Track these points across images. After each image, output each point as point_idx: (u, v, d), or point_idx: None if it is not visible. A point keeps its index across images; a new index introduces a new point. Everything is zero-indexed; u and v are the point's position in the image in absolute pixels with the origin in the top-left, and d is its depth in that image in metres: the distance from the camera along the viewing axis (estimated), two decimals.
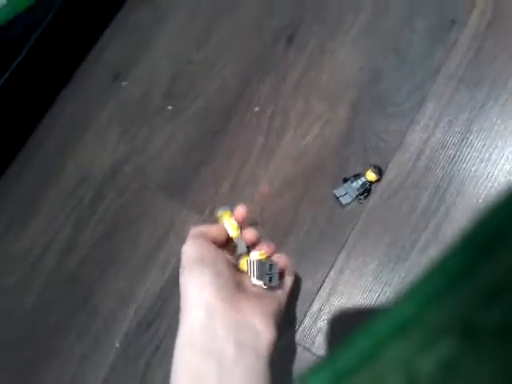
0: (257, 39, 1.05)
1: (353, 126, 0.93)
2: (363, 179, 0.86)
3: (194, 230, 0.69)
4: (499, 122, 0.87)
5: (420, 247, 0.83)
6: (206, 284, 0.59)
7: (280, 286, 0.70)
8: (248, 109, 0.99)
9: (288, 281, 0.72)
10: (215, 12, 1.10)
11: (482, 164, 0.85)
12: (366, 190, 0.86)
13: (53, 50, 1.10)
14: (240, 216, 0.73)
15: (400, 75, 0.94)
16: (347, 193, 0.87)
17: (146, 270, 0.93)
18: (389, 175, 0.87)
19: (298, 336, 0.83)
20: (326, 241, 0.87)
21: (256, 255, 0.70)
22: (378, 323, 0.27)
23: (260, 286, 0.68)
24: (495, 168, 0.84)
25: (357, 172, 0.88)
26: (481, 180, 0.84)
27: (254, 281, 0.68)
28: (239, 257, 0.71)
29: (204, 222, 0.93)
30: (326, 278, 0.84)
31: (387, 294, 0.82)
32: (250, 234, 0.72)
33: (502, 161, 0.84)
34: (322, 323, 0.83)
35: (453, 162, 0.86)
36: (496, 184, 0.83)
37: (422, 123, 0.89)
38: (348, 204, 0.87)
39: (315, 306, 0.84)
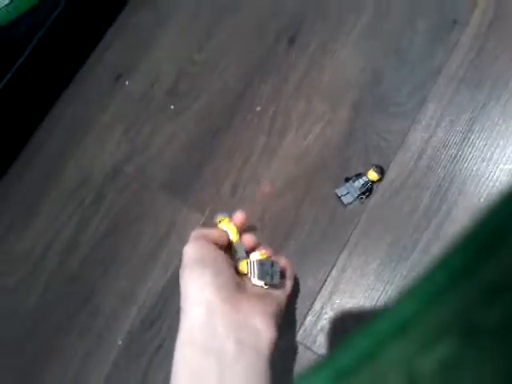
0: (258, 40, 1.05)
1: (354, 126, 0.93)
2: (365, 179, 0.86)
3: (196, 232, 0.69)
4: (501, 121, 0.87)
5: (422, 246, 0.83)
6: (206, 284, 0.60)
7: (281, 284, 0.70)
8: (250, 108, 0.99)
9: (288, 282, 0.73)
10: (216, 13, 1.10)
11: (484, 163, 0.85)
12: (368, 189, 0.86)
13: (55, 50, 1.10)
14: (239, 222, 0.74)
15: (401, 75, 0.94)
16: (349, 192, 0.87)
17: (147, 270, 0.93)
18: (390, 175, 0.87)
19: (300, 335, 0.83)
20: (327, 240, 0.87)
21: (256, 255, 0.70)
22: (377, 323, 0.27)
23: (261, 286, 0.68)
24: (497, 167, 0.84)
25: (358, 172, 0.88)
26: (482, 179, 0.84)
27: (255, 281, 0.68)
28: (238, 260, 0.71)
29: (205, 221, 0.93)
30: (327, 277, 0.85)
31: (389, 292, 0.82)
32: (249, 239, 0.72)
33: (504, 160, 0.84)
34: (324, 322, 0.83)
35: (454, 162, 0.86)
36: (498, 183, 0.83)
37: (423, 123, 0.89)
38: (350, 203, 0.87)
39: (317, 305, 0.84)
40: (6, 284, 0.99)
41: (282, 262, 0.72)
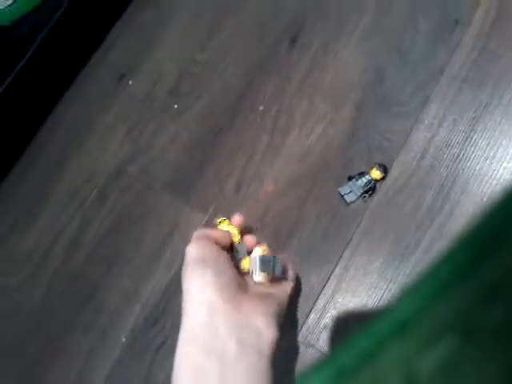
0: (260, 40, 1.05)
1: (357, 125, 0.93)
2: (368, 177, 0.87)
3: (198, 232, 0.69)
4: (503, 121, 0.87)
5: (425, 245, 0.83)
6: (207, 283, 0.59)
7: (283, 278, 0.70)
8: (252, 108, 0.99)
9: (290, 281, 0.72)
10: (218, 13, 1.11)
11: (487, 162, 0.85)
12: (371, 188, 0.86)
13: (58, 50, 1.10)
14: (237, 224, 0.74)
15: (403, 75, 0.94)
16: (352, 191, 0.87)
17: (151, 269, 0.93)
18: (393, 174, 0.87)
19: (303, 333, 0.83)
20: (330, 239, 0.87)
21: (258, 251, 0.70)
22: (377, 323, 0.27)
23: (263, 282, 0.68)
24: (500, 166, 0.84)
25: (361, 170, 0.88)
26: (485, 178, 0.84)
27: (257, 276, 0.68)
28: (240, 260, 0.71)
29: (208, 220, 0.93)
30: (330, 275, 0.85)
31: (392, 291, 0.82)
32: (251, 239, 0.72)
33: (507, 158, 0.85)
34: (327, 320, 0.83)
35: (457, 161, 0.86)
36: (501, 182, 0.83)
37: (426, 122, 0.90)
38: (353, 202, 0.87)
39: (320, 303, 0.84)
40: (8, 284, 0.99)
41: (284, 260, 0.72)
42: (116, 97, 1.09)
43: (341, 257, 0.85)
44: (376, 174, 0.86)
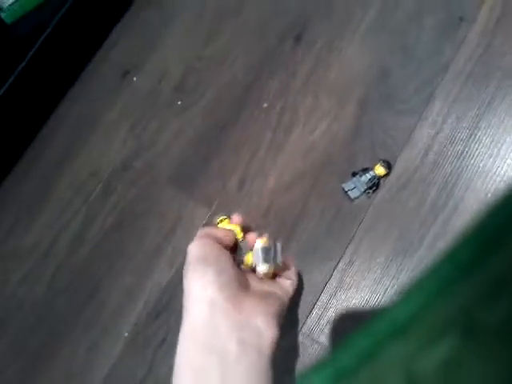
0: (264, 38, 1.06)
1: (361, 122, 0.93)
2: (372, 173, 0.87)
3: (201, 231, 0.69)
4: (507, 118, 0.87)
5: (428, 241, 0.83)
6: (208, 282, 0.60)
7: (286, 267, 0.70)
8: (257, 104, 1.00)
9: (291, 281, 0.73)
10: (222, 11, 1.11)
11: (491, 159, 0.85)
12: (375, 184, 0.86)
13: (62, 48, 1.11)
14: (237, 223, 0.74)
15: (408, 72, 0.94)
16: (356, 187, 0.87)
17: (153, 264, 0.94)
18: (397, 170, 0.87)
19: (306, 328, 0.83)
20: (334, 234, 0.87)
21: (259, 243, 0.70)
22: (377, 323, 0.27)
23: (268, 272, 0.68)
24: (504, 163, 0.84)
25: (365, 166, 0.88)
26: (489, 175, 0.84)
27: (261, 267, 0.68)
28: (243, 257, 0.71)
29: (212, 216, 0.93)
30: (333, 270, 0.85)
31: (395, 287, 0.82)
32: (253, 237, 0.72)
33: (511, 156, 0.85)
34: (330, 315, 0.83)
35: (461, 158, 0.86)
36: (505, 179, 0.83)
37: (430, 119, 0.90)
38: (356, 198, 0.87)
39: (323, 299, 0.84)
40: (11, 279, 1.00)
41: (287, 260, 0.72)
42: (120, 93, 1.10)
43: (344, 252, 0.85)
44: (380, 170, 0.86)
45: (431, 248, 0.83)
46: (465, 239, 0.26)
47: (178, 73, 1.08)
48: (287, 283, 0.71)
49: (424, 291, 0.26)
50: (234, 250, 0.72)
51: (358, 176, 0.87)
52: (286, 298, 0.68)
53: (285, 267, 0.71)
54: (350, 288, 0.84)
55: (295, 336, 0.83)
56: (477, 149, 0.86)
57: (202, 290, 0.59)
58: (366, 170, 0.87)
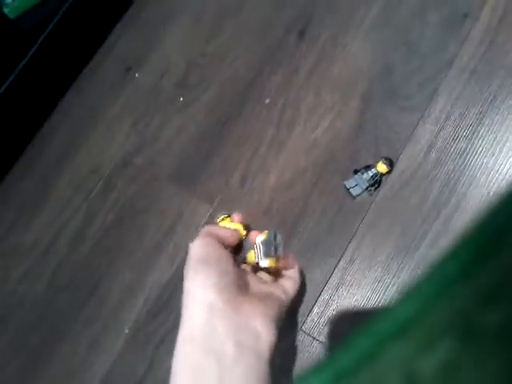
0: (268, 32, 1.05)
1: (364, 118, 0.93)
2: (374, 171, 0.86)
3: (204, 229, 0.69)
4: (510, 116, 0.86)
5: (430, 238, 0.82)
6: (209, 285, 0.59)
7: (287, 261, 0.70)
8: (259, 101, 0.99)
9: (294, 281, 0.72)
10: (226, 5, 1.11)
11: (494, 157, 0.85)
12: (377, 181, 0.86)
13: (64, 43, 1.10)
14: (238, 221, 0.74)
15: (412, 68, 0.94)
16: (357, 184, 0.87)
17: (154, 261, 0.94)
18: (400, 167, 0.87)
19: (307, 325, 0.83)
20: (335, 232, 0.87)
21: (260, 238, 0.70)
22: (378, 323, 0.27)
23: (271, 266, 0.68)
24: (506, 160, 0.84)
25: (368, 164, 0.88)
26: (492, 172, 0.84)
27: (263, 263, 0.68)
28: (246, 254, 0.71)
29: (213, 212, 0.93)
30: (335, 268, 0.84)
31: (396, 285, 0.82)
32: (256, 234, 0.72)
33: None
34: (331, 313, 0.83)
35: (464, 155, 0.86)
36: (507, 176, 0.83)
37: (433, 116, 0.89)
38: (358, 195, 0.87)
39: (324, 296, 0.84)
40: (12, 276, 1.00)
41: (290, 260, 0.72)
42: (122, 89, 1.09)
43: (345, 250, 0.85)
44: (382, 167, 0.86)
45: (433, 246, 0.82)
46: (465, 240, 0.25)
47: (180, 69, 1.07)
48: (289, 283, 0.71)
49: (423, 293, 0.26)
50: (238, 248, 0.72)
51: (359, 173, 0.87)
52: (286, 300, 0.68)
53: (287, 262, 0.71)
54: (351, 286, 0.83)
55: (294, 337, 0.83)
56: (480, 145, 0.86)
57: (202, 291, 0.59)
58: (368, 168, 0.87)
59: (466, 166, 0.85)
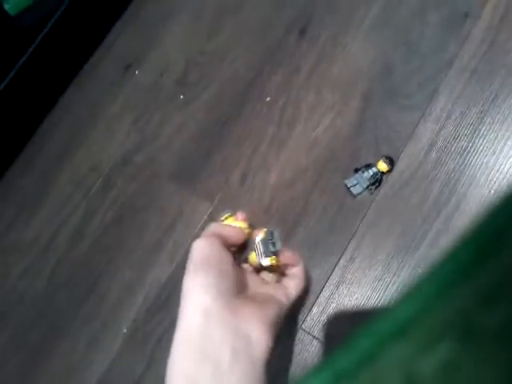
0: (269, 31, 1.05)
1: (364, 117, 0.93)
2: (374, 169, 0.86)
3: (209, 228, 0.69)
4: (511, 115, 0.86)
5: (431, 238, 0.82)
6: (207, 286, 0.59)
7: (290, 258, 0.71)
8: (260, 98, 0.99)
9: (298, 281, 0.72)
10: (226, 4, 1.10)
11: (494, 156, 0.85)
12: (377, 180, 0.86)
13: (64, 40, 1.10)
14: (242, 219, 0.74)
15: (411, 68, 0.94)
16: (358, 183, 0.87)
17: (153, 259, 0.94)
18: (400, 166, 0.87)
19: (307, 324, 0.83)
20: (336, 230, 0.87)
21: (259, 237, 0.70)
22: (378, 323, 0.27)
23: (272, 264, 0.68)
24: (507, 160, 0.84)
25: (368, 162, 0.88)
26: (492, 172, 0.84)
27: (264, 262, 0.68)
28: (249, 254, 0.71)
29: (214, 210, 0.93)
30: (335, 267, 0.84)
31: (397, 283, 0.81)
32: (258, 233, 0.72)
33: None
34: (331, 312, 0.83)
35: (465, 154, 0.86)
36: (508, 176, 0.83)
37: (434, 114, 0.89)
38: (359, 194, 0.87)
39: (324, 295, 0.83)
40: (12, 272, 1.00)
41: (294, 257, 0.72)
42: (122, 86, 1.09)
43: (346, 248, 0.85)
44: (382, 166, 0.86)
45: (433, 245, 0.82)
46: (465, 241, 0.25)
47: (179, 67, 1.07)
48: (292, 283, 0.71)
49: (423, 293, 0.26)
50: (242, 247, 0.72)
51: (360, 172, 0.87)
52: (286, 303, 0.67)
53: (291, 259, 0.70)
54: (352, 284, 0.83)
55: (293, 336, 0.83)
56: (481, 145, 0.86)
57: (200, 293, 0.59)
58: (368, 166, 0.87)
59: (466, 165, 0.85)
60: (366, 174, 0.86)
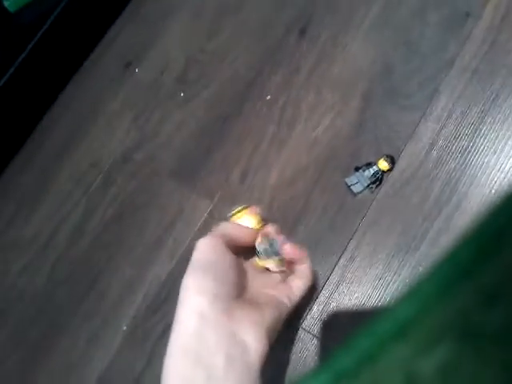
0: (269, 31, 1.05)
1: (365, 117, 0.93)
2: (375, 168, 0.86)
3: (217, 228, 0.68)
4: None
5: (431, 237, 0.82)
6: (205, 290, 0.58)
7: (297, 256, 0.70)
8: (260, 96, 0.99)
9: (304, 281, 0.72)
10: (226, 3, 1.10)
11: (495, 155, 0.85)
12: (378, 178, 0.86)
13: (64, 37, 1.10)
14: (255, 213, 0.74)
15: (412, 68, 0.94)
16: (359, 181, 0.87)
17: (153, 256, 0.93)
18: (401, 165, 0.87)
19: (307, 323, 0.83)
20: (336, 229, 0.87)
21: (258, 244, 0.69)
22: (379, 323, 0.26)
23: (279, 269, 0.68)
24: (508, 159, 0.84)
25: (369, 161, 0.88)
26: (493, 171, 0.84)
27: (270, 266, 0.68)
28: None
29: (213, 209, 0.93)
30: (335, 265, 0.84)
31: (397, 282, 0.81)
32: (270, 230, 0.72)
33: None
34: (331, 311, 0.82)
35: (465, 153, 0.86)
36: (509, 175, 0.83)
37: (434, 114, 0.89)
38: (359, 193, 0.87)
39: (324, 294, 0.83)
40: (11, 269, 0.99)
41: (301, 254, 0.72)
42: (122, 84, 1.09)
43: (346, 247, 0.85)
44: (383, 164, 0.86)
45: (434, 244, 0.82)
46: (465, 240, 0.25)
47: (179, 64, 1.07)
48: (297, 282, 0.70)
49: (423, 293, 0.25)
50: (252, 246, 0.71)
51: (361, 171, 0.87)
52: (289, 305, 0.66)
53: (297, 255, 0.70)
54: (352, 283, 0.83)
55: (293, 335, 0.83)
56: (481, 144, 0.86)
57: (197, 297, 0.58)
58: (369, 165, 0.87)
59: (467, 164, 0.85)
60: (366, 173, 0.86)
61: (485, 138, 0.86)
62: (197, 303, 0.57)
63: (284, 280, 0.71)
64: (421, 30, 0.96)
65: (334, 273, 0.84)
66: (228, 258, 0.64)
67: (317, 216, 0.88)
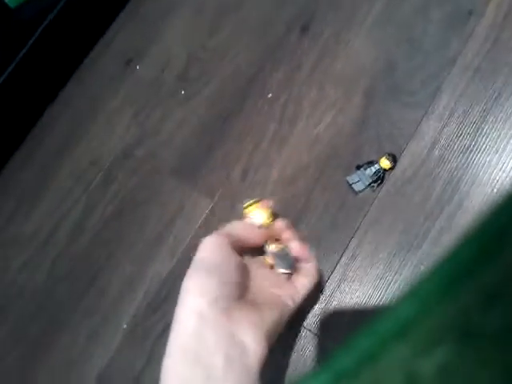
0: (270, 28, 1.05)
1: (367, 114, 0.92)
2: (377, 166, 0.86)
3: (224, 228, 0.67)
4: None
5: (433, 235, 0.82)
6: (205, 290, 0.58)
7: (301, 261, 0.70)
8: (261, 94, 0.99)
9: (309, 279, 0.71)
10: (225, 2, 1.10)
11: (497, 154, 0.84)
12: (380, 177, 0.85)
13: (65, 33, 1.10)
14: (267, 207, 0.73)
15: (415, 65, 0.94)
16: (360, 180, 0.86)
17: (154, 253, 0.93)
18: (403, 163, 0.87)
19: (308, 321, 0.83)
20: (337, 227, 0.86)
21: (272, 248, 0.69)
22: (380, 323, 0.26)
23: (288, 273, 0.69)
24: (510, 159, 0.83)
25: (370, 159, 0.88)
26: (495, 170, 0.83)
27: (282, 270, 0.69)
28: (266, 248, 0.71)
29: (214, 206, 0.93)
30: (336, 264, 0.84)
31: (398, 282, 0.81)
32: (280, 225, 0.72)
33: None
34: (332, 309, 0.82)
35: (467, 152, 0.85)
36: (511, 174, 0.83)
37: (436, 112, 0.89)
38: (361, 191, 0.87)
39: (326, 292, 0.83)
40: (11, 266, 0.99)
41: (307, 252, 0.71)
42: (123, 81, 1.09)
43: (348, 246, 0.85)
44: (385, 163, 0.86)
45: (435, 243, 0.82)
46: (467, 239, 0.25)
47: (180, 61, 1.07)
48: (302, 281, 0.70)
49: (424, 293, 0.25)
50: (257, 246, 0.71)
51: (362, 169, 0.87)
52: (292, 306, 0.66)
53: (303, 253, 0.70)
54: (353, 282, 0.83)
55: (294, 333, 0.83)
56: (483, 143, 0.85)
57: (197, 297, 0.57)
58: (370, 163, 0.87)
59: (469, 163, 0.85)
60: (368, 171, 0.86)
61: (487, 136, 0.86)
62: (197, 303, 0.57)
63: (289, 278, 0.71)
64: (424, 27, 0.96)
65: (335, 271, 0.84)
66: (233, 259, 0.63)
67: (318, 214, 0.88)
